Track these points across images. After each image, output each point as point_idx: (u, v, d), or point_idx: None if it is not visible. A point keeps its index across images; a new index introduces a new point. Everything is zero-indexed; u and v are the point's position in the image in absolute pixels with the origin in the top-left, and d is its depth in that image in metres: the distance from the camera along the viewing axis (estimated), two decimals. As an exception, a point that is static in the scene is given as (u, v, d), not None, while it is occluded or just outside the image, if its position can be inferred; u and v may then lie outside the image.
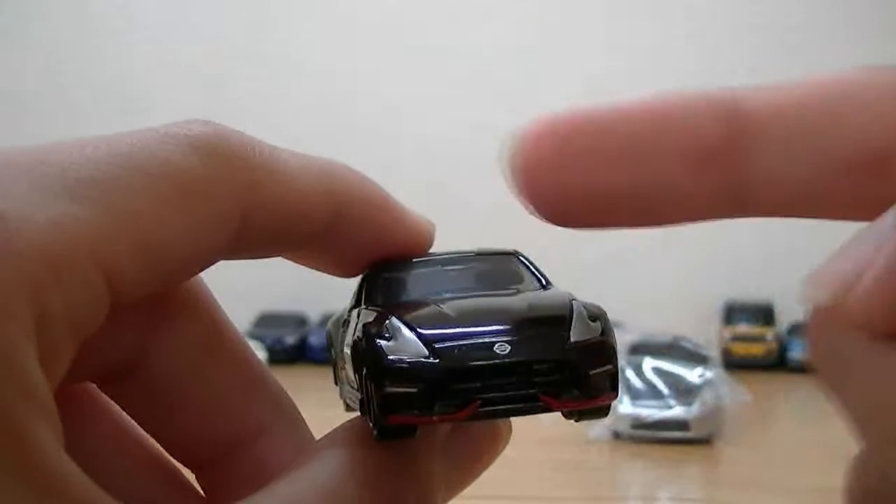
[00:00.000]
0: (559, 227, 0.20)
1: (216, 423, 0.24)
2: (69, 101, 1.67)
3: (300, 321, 1.55)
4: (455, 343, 0.21)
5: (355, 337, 0.22)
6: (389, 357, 0.21)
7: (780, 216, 0.20)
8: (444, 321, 0.22)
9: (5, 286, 0.16)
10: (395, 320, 0.22)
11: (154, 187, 0.19)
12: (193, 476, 0.25)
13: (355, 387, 0.24)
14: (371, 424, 0.22)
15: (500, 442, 0.25)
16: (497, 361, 0.21)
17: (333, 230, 0.23)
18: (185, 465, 0.25)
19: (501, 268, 0.26)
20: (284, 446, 0.24)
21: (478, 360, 0.21)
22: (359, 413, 0.24)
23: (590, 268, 1.56)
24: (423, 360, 0.21)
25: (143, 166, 0.19)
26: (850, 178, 0.18)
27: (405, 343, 0.21)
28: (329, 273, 0.26)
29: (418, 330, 0.21)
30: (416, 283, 0.25)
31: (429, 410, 0.21)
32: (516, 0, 1.65)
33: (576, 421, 0.22)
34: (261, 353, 1.31)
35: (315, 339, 1.50)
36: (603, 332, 0.22)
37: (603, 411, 0.22)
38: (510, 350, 0.21)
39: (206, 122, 0.21)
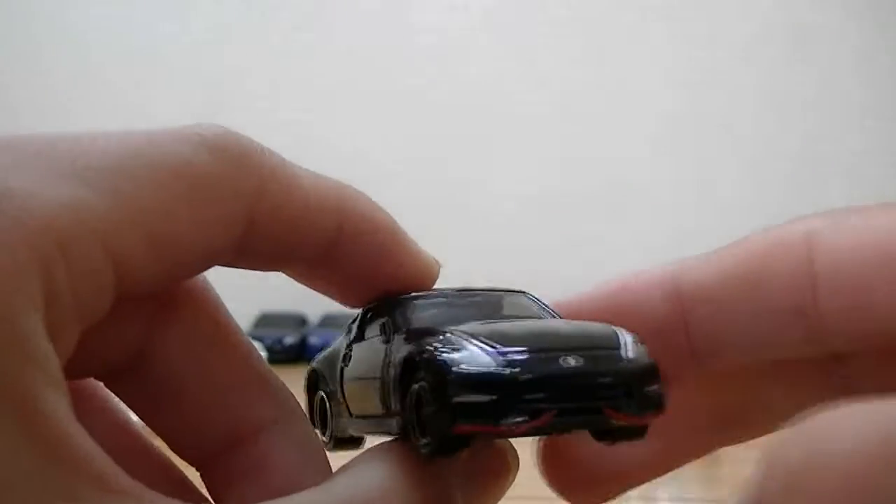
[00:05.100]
0: (556, 235, 0.21)
1: (219, 420, 0.24)
2: (67, 98, 1.67)
3: (300, 321, 1.55)
4: (524, 356, 0.21)
5: (408, 353, 0.22)
6: (461, 366, 0.20)
7: (726, 365, 0.25)
8: (499, 337, 0.21)
9: (14, 257, 0.16)
10: (453, 334, 0.22)
11: (164, 181, 0.19)
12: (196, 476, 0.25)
13: (392, 409, 0.23)
14: (421, 443, 0.21)
15: (513, 469, 0.25)
16: (570, 373, 0.21)
17: (338, 248, 0.23)
18: (188, 463, 0.25)
19: (515, 301, 0.26)
20: (287, 443, 0.24)
21: (552, 372, 0.21)
22: (347, 447, 0.25)
23: (589, 268, 1.56)
24: (498, 370, 0.20)
25: (154, 161, 0.19)
26: (775, 324, 0.23)
27: (473, 354, 0.21)
28: (332, 297, 0.26)
29: (483, 342, 0.21)
30: (437, 310, 0.24)
31: (501, 419, 0.20)
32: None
33: (608, 444, 0.22)
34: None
35: (315, 339, 1.50)
36: (649, 354, 0.22)
37: (642, 432, 0.22)
38: (581, 363, 0.21)
39: (217, 125, 0.21)
